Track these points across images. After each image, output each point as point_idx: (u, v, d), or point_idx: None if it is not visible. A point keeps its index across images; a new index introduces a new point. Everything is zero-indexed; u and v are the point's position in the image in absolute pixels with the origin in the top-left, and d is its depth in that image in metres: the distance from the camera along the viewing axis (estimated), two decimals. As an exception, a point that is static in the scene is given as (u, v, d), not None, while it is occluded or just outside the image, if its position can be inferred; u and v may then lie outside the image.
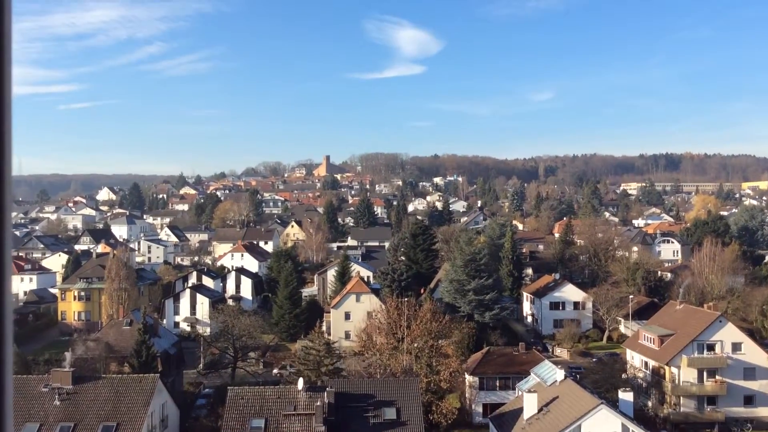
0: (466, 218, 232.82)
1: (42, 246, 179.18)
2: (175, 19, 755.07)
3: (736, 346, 73.31)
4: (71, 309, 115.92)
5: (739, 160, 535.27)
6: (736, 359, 72.79)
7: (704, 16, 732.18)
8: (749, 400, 72.80)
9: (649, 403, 75.20)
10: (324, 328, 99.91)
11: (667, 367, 73.29)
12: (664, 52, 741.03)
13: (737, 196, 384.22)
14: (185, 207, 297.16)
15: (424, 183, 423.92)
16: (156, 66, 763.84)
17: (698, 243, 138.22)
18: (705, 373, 73.06)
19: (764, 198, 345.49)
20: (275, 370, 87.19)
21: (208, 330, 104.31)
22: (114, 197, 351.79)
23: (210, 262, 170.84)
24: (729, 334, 73.65)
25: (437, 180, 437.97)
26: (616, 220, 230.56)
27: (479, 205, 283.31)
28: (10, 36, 2.31)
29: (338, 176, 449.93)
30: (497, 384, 73.28)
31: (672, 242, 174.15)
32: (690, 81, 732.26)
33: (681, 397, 72.33)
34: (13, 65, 2.25)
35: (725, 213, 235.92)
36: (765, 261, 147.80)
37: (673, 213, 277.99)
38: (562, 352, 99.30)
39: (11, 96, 2.30)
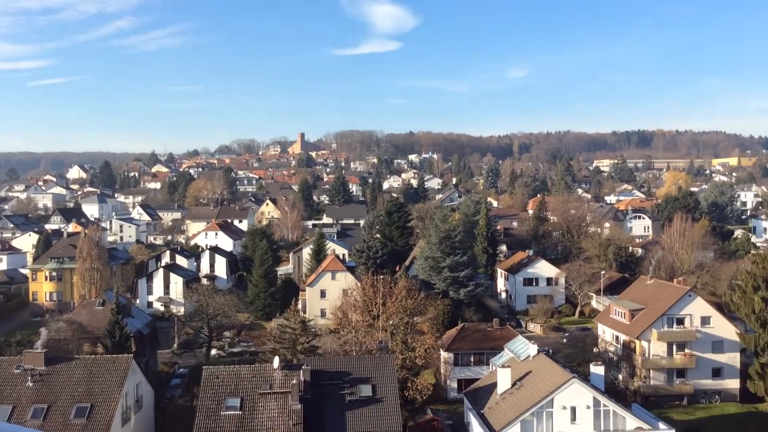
0: (441, 195, 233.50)
1: (12, 226, 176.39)
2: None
3: (705, 320, 74.37)
4: (42, 289, 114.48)
5: (710, 137, 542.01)
6: (705, 333, 73.91)
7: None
8: (717, 372, 74.00)
9: (620, 377, 76.31)
10: (299, 306, 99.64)
11: (637, 341, 74.34)
12: (638, 29, 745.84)
13: (707, 172, 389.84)
14: (157, 185, 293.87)
15: (399, 160, 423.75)
16: (127, 41, 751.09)
17: (669, 219, 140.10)
18: (674, 347, 74.08)
19: (734, 174, 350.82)
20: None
21: (182, 310, 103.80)
22: (85, 175, 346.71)
23: (183, 241, 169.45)
24: (698, 308, 74.68)
25: (412, 157, 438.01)
26: (589, 196, 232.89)
27: (454, 182, 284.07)
28: None
29: (313, 154, 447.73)
30: (472, 360, 73.95)
31: (643, 218, 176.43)
32: (663, 58, 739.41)
33: (651, 370, 73.47)
34: None
35: (696, 189, 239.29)
36: (734, 236, 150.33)
37: (645, 189, 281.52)
38: (535, 328, 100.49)
39: None
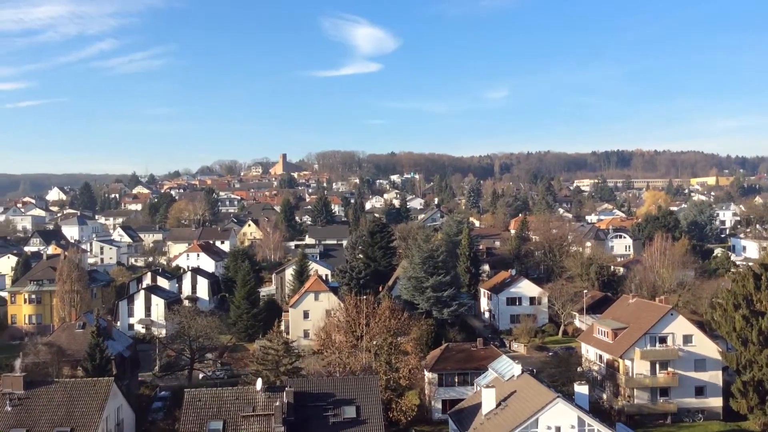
0: (423, 215, 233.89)
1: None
2: (126, 15, 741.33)
3: (687, 339, 74.63)
4: (22, 312, 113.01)
5: (688, 157, 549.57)
6: (687, 351, 74.12)
7: (651, 15, 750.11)
8: (700, 390, 74.08)
9: (604, 396, 76.35)
10: (282, 327, 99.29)
11: (620, 360, 74.45)
12: (613, 50, 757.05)
13: (686, 191, 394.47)
14: (138, 207, 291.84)
15: (381, 181, 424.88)
16: (107, 63, 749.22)
17: (649, 238, 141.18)
18: (657, 366, 74.15)
19: (712, 193, 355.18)
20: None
21: (163, 332, 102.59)
22: (65, 197, 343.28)
23: (165, 263, 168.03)
24: (680, 326, 74.92)
25: (394, 178, 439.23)
26: (570, 216, 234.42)
27: (436, 202, 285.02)
28: None
29: (295, 175, 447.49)
30: (456, 380, 73.48)
31: (624, 237, 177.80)
32: (639, 79, 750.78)
33: (635, 389, 73.48)
34: None
35: (675, 208, 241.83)
36: (713, 255, 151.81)
37: (625, 209, 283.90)
38: (519, 347, 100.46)
39: None
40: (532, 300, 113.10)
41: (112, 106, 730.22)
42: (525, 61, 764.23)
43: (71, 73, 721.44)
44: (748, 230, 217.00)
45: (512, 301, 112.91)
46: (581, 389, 55.66)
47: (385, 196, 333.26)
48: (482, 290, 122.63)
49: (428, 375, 73.87)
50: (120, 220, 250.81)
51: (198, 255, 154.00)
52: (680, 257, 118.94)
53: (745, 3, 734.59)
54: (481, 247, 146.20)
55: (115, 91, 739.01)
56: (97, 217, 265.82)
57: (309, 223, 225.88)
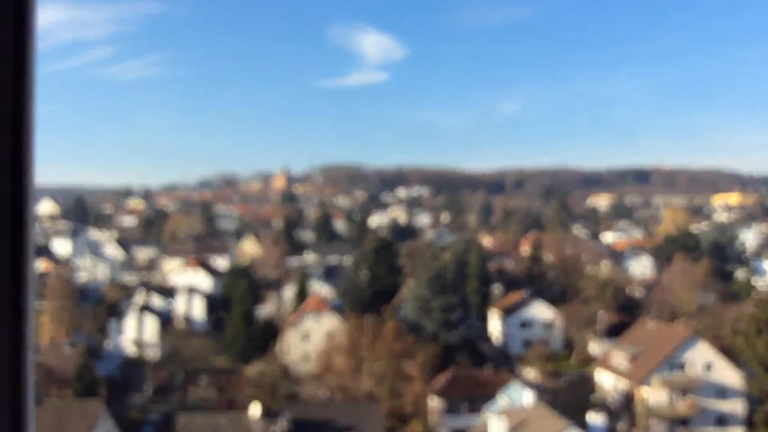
0: (430, 232, 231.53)
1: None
2: (123, 22, 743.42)
3: (708, 366, 72.86)
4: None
5: (709, 174, 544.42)
6: (708, 379, 71.79)
7: (675, 26, 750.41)
8: (721, 420, 72.80)
9: (620, 426, 73.70)
10: (281, 349, 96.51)
11: (638, 388, 71.93)
12: (633, 62, 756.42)
13: (707, 210, 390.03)
14: (133, 220, 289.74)
15: (387, 195, 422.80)
16: (104, 70, 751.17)
17: (668, 259, 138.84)
18: (677, 394, 72.09)
19: (734, 213, 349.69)
20: None
21: (156, 353, 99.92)
22: (57, 210, 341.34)
23: (159, 279, 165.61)
24: (701, 353, 74.12)
25: (401, 192, 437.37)
26: (585, 235, 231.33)
27: (444, 219, 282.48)
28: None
29: (297, 188, 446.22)
30: (464, 407, 71.64)
31: (642, 258, 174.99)
32: (659, 93, 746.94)
33: (652, 419, 70.79)
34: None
35: (695, 228, 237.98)
36: (736, 277, 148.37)
37: (643, 228, 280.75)
38: (530, 373, 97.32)
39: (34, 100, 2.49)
40: (545, 323, 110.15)
41: (107, 115, 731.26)
42: (540, 72, 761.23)
43: (66, 80, 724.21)
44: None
45: (524, 324, 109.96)
46: (596, 419, 53.37)
47: (391, 211, 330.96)
48: (492, 312, 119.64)
49: (434, 402, 71.64)
50: (114, 234, 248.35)
51: (194, 272, 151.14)
52: (701, 280, 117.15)
53: None
54: (491, 266, 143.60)
55: (110, 100, 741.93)
56: (89, 230, 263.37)
57: (311, 239, 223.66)
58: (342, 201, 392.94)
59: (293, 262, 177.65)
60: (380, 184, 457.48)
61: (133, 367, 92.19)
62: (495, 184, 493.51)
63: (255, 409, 52.34)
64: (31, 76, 2.33)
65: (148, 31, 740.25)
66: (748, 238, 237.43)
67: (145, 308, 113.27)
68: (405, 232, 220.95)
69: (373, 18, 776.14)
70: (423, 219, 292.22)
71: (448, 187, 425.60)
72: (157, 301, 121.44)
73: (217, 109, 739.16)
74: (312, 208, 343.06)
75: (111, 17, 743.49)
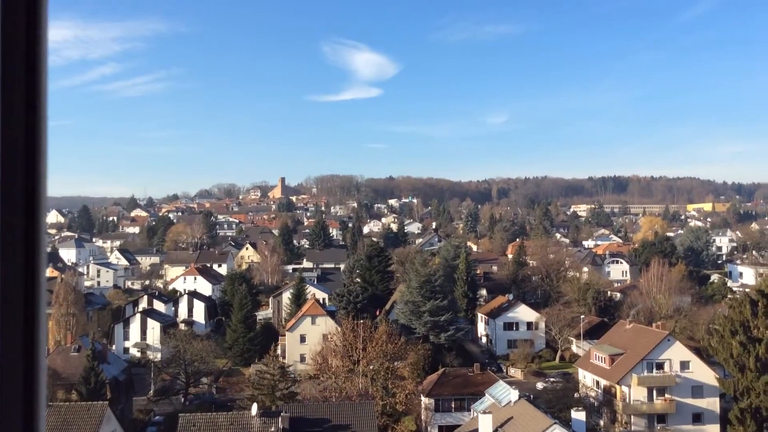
0: (421, 240, 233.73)
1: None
2: (131, 40, 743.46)
3: (684, 365, 74.78)
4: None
5: (684, 183, 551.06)
6: (685, 377, 74.21)
7: (653, 42, 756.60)
8: (697, 417, 74.05)
9: (601, 422, 76.07)
10: (279, 351, 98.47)
11: (617, 386, 74.41)
12: (613, 76, 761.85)
13: (683, 217, 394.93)
14: (136, 230, 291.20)
15: (379, 205, 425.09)
16: (109, 86, 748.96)
17: (646, 263, 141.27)
18: (655, 392, 74.26)
19: (708, 219, 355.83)
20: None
21: (159, 355, 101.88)
22: (63, 220, 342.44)
23: (161, 286, 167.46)
24: (677, 352, 75.19)
25: (392, 202, 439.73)
26: (567, 241, 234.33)
27: (434, 226, 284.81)
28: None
29: (293, 198, 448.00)
30: (452, 405, 73.40)
31: (621, 263, 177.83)
32: (637, 105, 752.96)
33: (632, 416, 73.36)
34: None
35: (671, 234, 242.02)
36: (710, 281, 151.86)
37: (622, 234, 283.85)
38: (516, 373, 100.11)
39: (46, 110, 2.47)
40: (529, 325, 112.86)
41: (112, 129, 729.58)
42: (526, 86, 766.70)
43: (73, 96, 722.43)
44: (745, 256, 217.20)
45: (509, 326, 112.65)
46: (578, 416, 55.73)
47: (383, 220, 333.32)
48: (479, 315, 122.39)
49: (425, 400, 73.56)
50: (117, 242, 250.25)
51: (195, 278, 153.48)
52: (677, 283, 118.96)
53: (747, 29, 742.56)
54: (478, 271, 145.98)
55: (116, 115, 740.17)
56: (94, 239, 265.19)
57: (307, 246, 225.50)
58: (336, 210, 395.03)
59: (290, 268, 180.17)
60: (373, 194, 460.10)
61: (136, 370, 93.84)
62: (481, 193, 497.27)
63: (254, 409, 53.41)
64: (43, 92, 2.39)
65: (154, 49, 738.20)
66: (722, 243, 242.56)
67: (149, 313, 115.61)
68: (396, 239, 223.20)
69: (367, 37, 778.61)
70: (413, 227, 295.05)
71: (437, 196, 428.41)
72: (159, 306, 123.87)
73: (218, 123, 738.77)
74: (308, 216, 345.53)
75: (118, 36, 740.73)
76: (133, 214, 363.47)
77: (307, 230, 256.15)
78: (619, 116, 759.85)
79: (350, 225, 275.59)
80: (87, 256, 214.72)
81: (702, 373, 74.64)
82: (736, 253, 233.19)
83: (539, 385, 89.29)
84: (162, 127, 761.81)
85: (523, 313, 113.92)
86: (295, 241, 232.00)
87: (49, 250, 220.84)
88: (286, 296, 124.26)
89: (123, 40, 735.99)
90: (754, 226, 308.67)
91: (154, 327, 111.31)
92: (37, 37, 2.52)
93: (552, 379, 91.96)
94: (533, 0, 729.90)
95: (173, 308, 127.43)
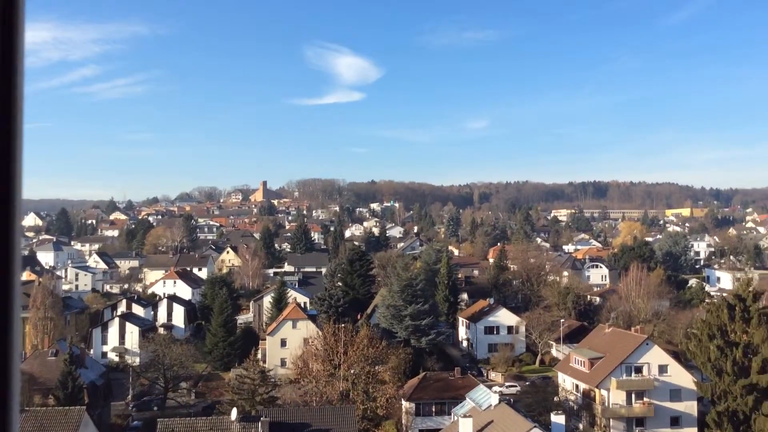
0: (402, 244, 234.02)
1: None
2: (111, 42, 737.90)
3: (662, 369, 75.41)
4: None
5: (663, 188, 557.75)
6: (663, 381, 74.83)
7: (633, 49, 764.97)
8: (675, 421, 74.66)
9: (581, 426, 76.46)
10: (259, 355, 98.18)
11: (597, 390, 74.91)
12: (594, 82, 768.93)
13: (661, 222, 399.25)
14: (115, 233, 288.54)
15: (361, 209, 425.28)
16: (89, 88, 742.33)
17: (625, 268, 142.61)
18: (633, 396, 74.83)
19: (687, 225, 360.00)
20: None
21: (137, 360, 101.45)
22: (40, 223, 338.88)
23: (140, 290, 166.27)
24: (656, 356, 75.78)
25: (374, 206, 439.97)
26: (548, 245, 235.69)
27: (416, 230, 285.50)
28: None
29: (275, 202, 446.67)
30: (433, 409, 73.65)
31: (600, 267, 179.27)
32: (617, 111, 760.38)
33: (611, 419, 73.87)
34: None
35: (650, 239, 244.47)
36: (688, 285, 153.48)
37: (601, 239, 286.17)
38: (496, 376, 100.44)
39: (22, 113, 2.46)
40: (509, 329, 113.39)
41: (91, 131, 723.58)
42: (507, 91, 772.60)
43: (52, 98, 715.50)
44: (722, 261, 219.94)
45: (490, 330, 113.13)
46: (557, 419, 56.00)
47: (365, 224, 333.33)
48: (460, 319, 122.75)
49: (406, 404, 73.72)
50: (96, 246, 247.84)
51: (175, 282, 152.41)
52: (655, 287, 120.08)
53: (726, 37, 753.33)
54: (459, 275, 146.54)
55: (95, 117, 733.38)
56: (73, 242, 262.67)
57: (288, 250, 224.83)
58: (318, 214, 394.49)
59: (271, 272, 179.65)
60: (355, 198, 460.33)
61: (115, 375, 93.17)
62: (463, 198, 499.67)
63: (234, 414, 52.89)
64: (19, 94, 2.34)
65: (134, 51, 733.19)
66: (701, 248, 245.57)
67: (127, 317, 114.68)
68: (378, 243, 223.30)
69: (350, 41, 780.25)
70: (395, 231, 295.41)
71: (419, 201, 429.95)
72: (138, 310, 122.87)
73: (199, 126, 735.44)
74: (289, 220, 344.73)
75: (98, 37, 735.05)
76: (112, 217, 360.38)
77: (289, 234, 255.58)
78: (599, 122, 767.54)
79: (332, 229, 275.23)
80: (65, 260, 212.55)
81: (680, 376, 75.29)
82: (713, 257, 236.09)
83: (519, 389, 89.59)
84: (142, 130, 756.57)
85: (504, 317, 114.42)
86: (276, 245, 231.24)
87: (26, 253, 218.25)
88: (267, 300, 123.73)
89: (103, 41, 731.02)
90: (732, 231, 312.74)
91: (132, 331, 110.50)
92: (13, 38, 2.45)
93: (508, 384, 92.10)
94: (514, 7, 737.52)
95: (152, 312, 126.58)
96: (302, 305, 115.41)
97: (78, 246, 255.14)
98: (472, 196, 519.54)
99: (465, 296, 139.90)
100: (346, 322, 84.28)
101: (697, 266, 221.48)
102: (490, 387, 70.69)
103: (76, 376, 69.94)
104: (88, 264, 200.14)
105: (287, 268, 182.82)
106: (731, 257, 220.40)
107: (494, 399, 59.58)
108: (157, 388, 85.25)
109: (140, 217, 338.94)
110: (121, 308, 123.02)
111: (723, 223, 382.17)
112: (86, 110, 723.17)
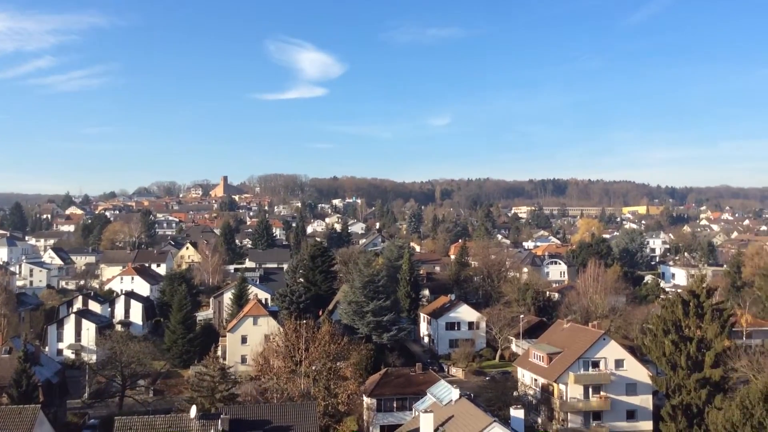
0: (364, 240, 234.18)
1: None
2: (67, 33, 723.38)
3: (618, 363, 76.76)
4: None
5: (620, 186, 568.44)
6: (619, 375, 76.20)
7: (594, 48, 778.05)
8: (631, 414, 76.14)
9: (539, 420, 77.61)
10: (219, 352, 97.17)
11: (555, 384, 75.95)
12: (555, 81, 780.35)
13: (618, 220, 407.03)
14: (71, 228, 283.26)
15: (323, 205, 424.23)
16: (45, 80, 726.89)
17: (583, 264, 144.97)
18: (590, 390, 76.03)
19: (643, 222, 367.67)
20: None
21: (94, 357, 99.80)
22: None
23: (97, 286, 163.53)
24: (612, 351, 77.08)
25: (336, 202, 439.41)
26: (508, 242, 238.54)
27: (378, 227, 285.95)
28: None
29: (236, 197, 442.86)
30: (395, 405, 73.68)
31: (559, 263, 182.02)
32: (577, 110, 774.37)
33: (568, 413, 74.97)
34: None
35: (607, 236, 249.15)
36: (644, 281, 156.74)
37: (560, 235, 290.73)
38: (457, 372, 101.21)
39: None
40: (470, 325, 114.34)
41: (47, 124, 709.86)
42: (470, 89, 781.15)
43: (5, 90, 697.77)
44: (677, 258, 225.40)
45: (451, 325, 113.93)
46: (517, 413, 56.44)
47: (327, 220, 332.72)
48: (422, 315, 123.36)
49: (367, 400, 73.77)
50: (51, 241, 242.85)
51: (132, 278, 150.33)
52: (612, 283, 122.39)
53: (684, 38, 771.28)
54: (421, 272, 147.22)
55: (51, 109, 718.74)
56: (27, 238, 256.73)
57: (249, 246, 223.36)
58: (280, 210, 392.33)
59: (232, 268, 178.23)
60: (317, 194, 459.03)
61: (71, 372, 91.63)
62: (425, 194, 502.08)
63: (193, 411, 51.80)
64: None
65: (92, 43, 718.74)
66: (656, 245, 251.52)
67: (83, 314, 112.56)
68: (340, 239, 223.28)
69: (313, 36, 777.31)
70: (357, 227, 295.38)
71: (381, 197, 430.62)
72: (95, 306, 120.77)
73: (158, 120, 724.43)
74: (251, 216, 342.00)
75: (54, 28, 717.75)
76: (68, 212, 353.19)
77: (250, 230, 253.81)
78: (560, 121, 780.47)
79: (294, 225, 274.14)
80: (19, 255, 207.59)
81: (636, 371, 76.71)
82: (668, 254, 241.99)
83: (480, 384, 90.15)
84: (100, 123, 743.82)
85: (465, 313, 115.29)
86: (237, 241, 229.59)
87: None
88: (228, 296, 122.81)
89: (60, 32, 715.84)
90: (686, 228, 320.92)
91: (89, 328, 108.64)
92: None
93: (491, 378, 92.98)
94: (478, 5, 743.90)
95: (109, 309, 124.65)
96: (263, 301, 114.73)
97: (32, 241, 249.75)
98: (434, 193, 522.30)
99: (427, 292, 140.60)
100: (307, 319, 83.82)
101: (653, 263, 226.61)
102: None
103: (31, 374, 68.50)
104: (43, 260, 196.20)
105: (248, 264, 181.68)
106: (686, 254, 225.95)
107: (455, 394, 59.92)
108: (115, 386, 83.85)
109: (97, 212, 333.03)
110: (77, 305, 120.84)
111: (678, 220, 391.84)
112: (42, 102, 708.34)
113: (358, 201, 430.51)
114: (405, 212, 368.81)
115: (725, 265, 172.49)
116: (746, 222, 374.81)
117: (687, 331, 70.03)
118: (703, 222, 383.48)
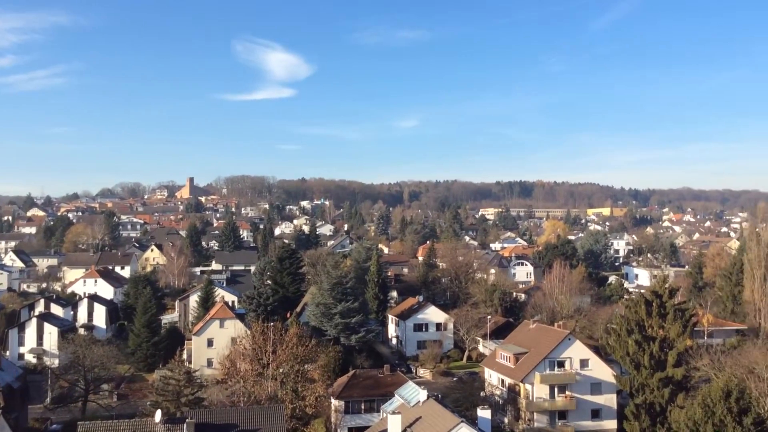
0: (332, 242, 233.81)
1: None
2: (29, 32, 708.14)
3: (584, 363, 77.55)
4: None
5: (585, 188, 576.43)
6: (584, 375, 76.97)
7: (564, 51, 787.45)
8: (596, 413, 76.91)
9: (506, 420, 78.10)
10: (185, 356, 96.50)
11: (521, 384, 76.50)
12: (523, 84, 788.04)
13: (583, 221, 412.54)
14: (33, 230, 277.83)
15: (291, 206, 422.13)
16: (6, 79, 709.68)
17: (549, 265, 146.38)
18: (556, 389, 76.71)
19: (607, 223, 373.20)
20: None
21: (56, 361, 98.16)
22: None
23: (60, 289, 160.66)
24: (577, 351, 77.85)
25: (304, 204, 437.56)
26: (476, 243, 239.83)
27: (346, 228, 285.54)
28: None
29: (202, 199, 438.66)
30: (363, 407, 73.81)
31: (525, 264, 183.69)
32: (544, 113, 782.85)
33: (535, 413, 75.55)
34: None
35: (573, 237, 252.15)
36: (608, 282, 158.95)
37: (527, 237, 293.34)
38: (425, 373, 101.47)
39: None
40: (438, 326, 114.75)
41: (8, 124, 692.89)
42: (437, 92, 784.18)
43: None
44: (640, 259, 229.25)
45: (419, 327, 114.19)
46: (484, 414, 56.65)
47: (295, 222, 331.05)
48: (390, 316, 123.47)
49: (335, 403, 73.64)
50: (12, 243, 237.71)
51: (96, 281, 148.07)
52: (577, 284, 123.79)
53: (647, 42, 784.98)
54: (389, 273, 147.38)
55: (12, 109, 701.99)
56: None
57: (216, 248, 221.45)
58: (247, 211, 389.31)
59: (198, 270, 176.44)
60: (285, 196, 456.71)
61: (33, 377, 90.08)
62: (393, 196, 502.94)
63: (158, 416, 51.16)
64: None
65: (55, 42, 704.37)
66: (620, 246, 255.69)
67: (45, 317, 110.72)
68: (308, 241, 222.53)
69: (281, 36, 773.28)
70: (325, 228, 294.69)
71: (350, 199, 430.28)
72: (57, 310, 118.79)
73: (122, 120, 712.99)
74: (218, 217, 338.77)
75: (15, 26, 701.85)
76: (29, 213, 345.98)
77: (217, 231, 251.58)
78: (527, 123, 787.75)
79: (261, 226, 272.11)
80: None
81: (600, 370, 77.56)
82: (632, 255, 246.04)
83: (447, 384, 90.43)
84: (62, 124, 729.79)
85: (433, 314, 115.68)
86: (203, 243, 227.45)
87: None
88: (194, 299, 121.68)
89: (21, 31, 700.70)
90: (649, 230, 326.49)
91: (51, 332, 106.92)
92: None
93: (458, 378, 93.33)
94: (447, 7, 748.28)
95: (72, 312, 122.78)
96: (230, 304, 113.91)
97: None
98: (402, 195, 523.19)
99: (395, 294, 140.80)
100: (275, 321, 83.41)
101: (617, 264, 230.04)
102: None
103: (-10, 379, 66.78)
104: (3, 262, 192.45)
105: (215, 266, 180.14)
106: (648, 255, 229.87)
107: (423, 395, 59.97)
108: (78, 390, 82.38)
109: (59, 214, 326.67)
110: (39, 308, 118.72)
111: (641, 222, 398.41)
112: (2, 102, 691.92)
113: (326, 203, 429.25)
114: (373, 214, 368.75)
115: (687, 266, 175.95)
116: (707, 224, 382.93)
117: (650, 331, 71.05)
118: (666, 224, 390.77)
